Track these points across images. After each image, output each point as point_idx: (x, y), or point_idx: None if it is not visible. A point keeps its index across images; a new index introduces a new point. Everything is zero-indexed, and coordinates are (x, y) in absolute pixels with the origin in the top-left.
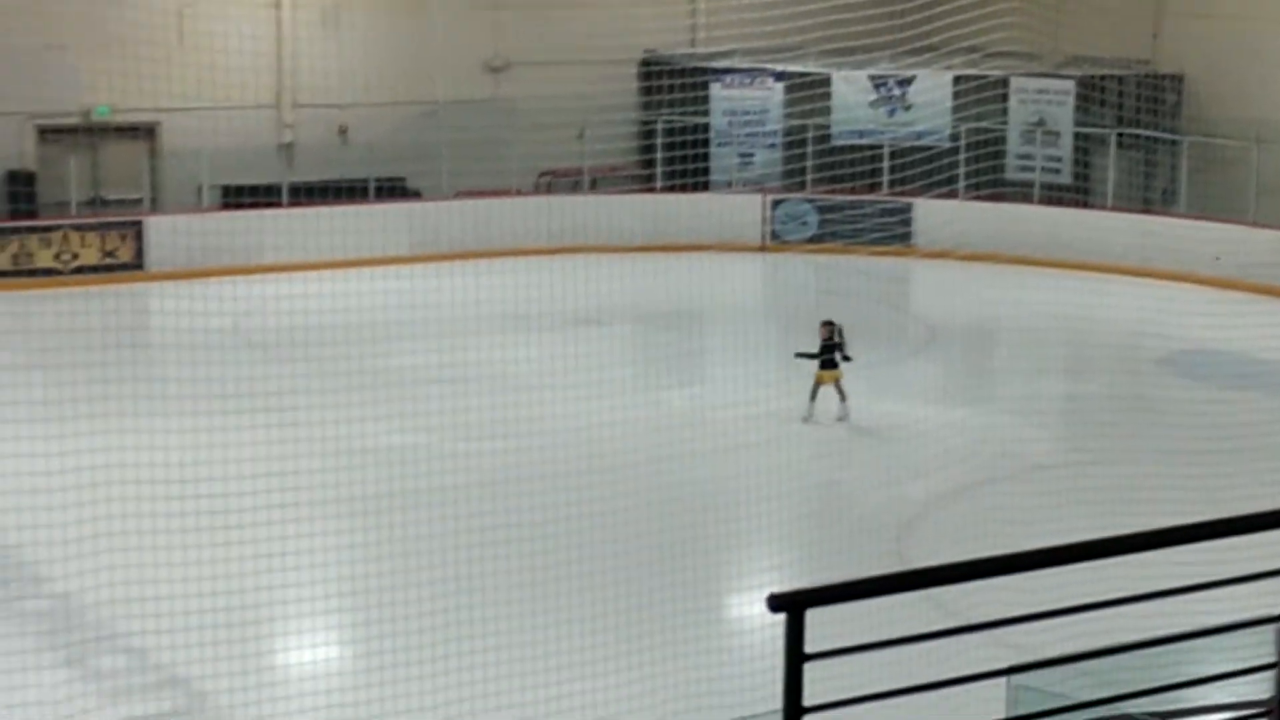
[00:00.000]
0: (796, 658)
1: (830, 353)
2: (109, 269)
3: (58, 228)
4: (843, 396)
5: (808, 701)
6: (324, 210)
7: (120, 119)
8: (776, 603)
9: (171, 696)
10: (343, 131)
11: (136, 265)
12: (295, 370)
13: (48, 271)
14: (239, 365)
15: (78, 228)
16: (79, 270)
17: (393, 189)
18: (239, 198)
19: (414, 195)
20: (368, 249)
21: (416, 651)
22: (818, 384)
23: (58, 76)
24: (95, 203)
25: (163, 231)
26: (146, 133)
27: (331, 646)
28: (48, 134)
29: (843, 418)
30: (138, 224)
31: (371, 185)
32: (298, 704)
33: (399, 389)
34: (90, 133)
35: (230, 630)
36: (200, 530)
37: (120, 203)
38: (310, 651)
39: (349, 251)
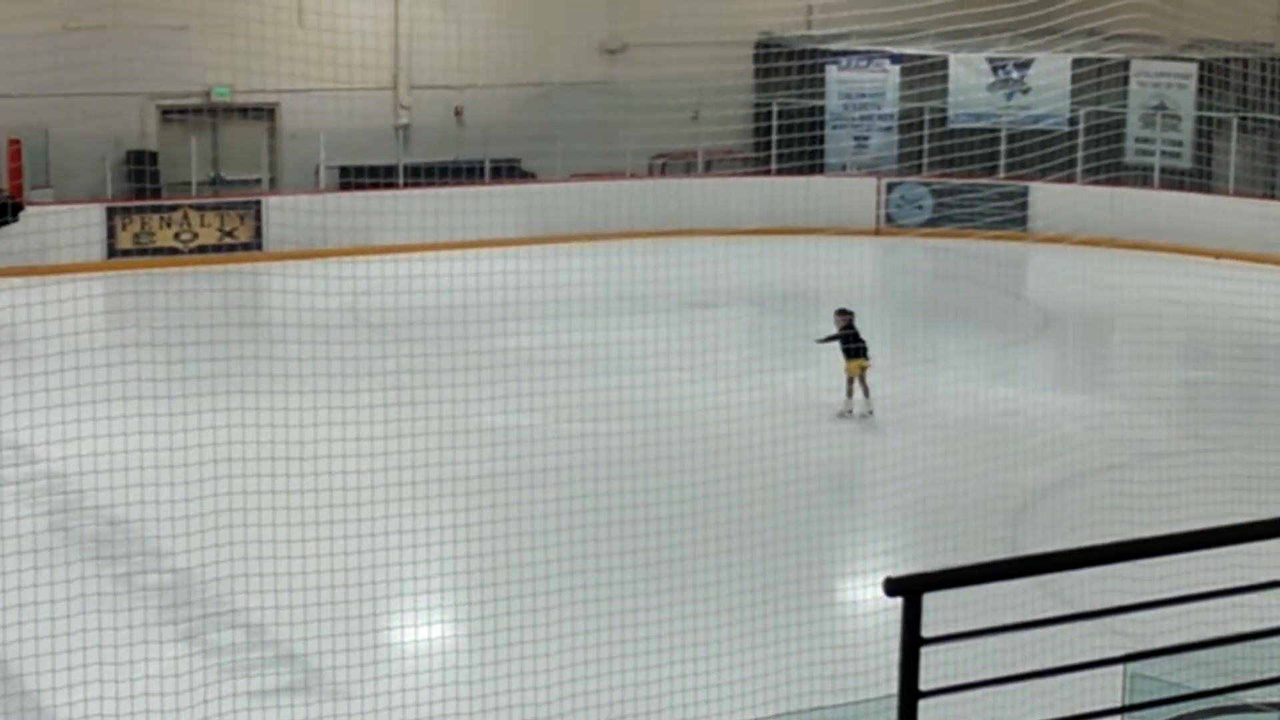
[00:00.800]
0: (913, 642)
1: (854, 341)
2: (228, 248)
3: (178, 207)
4: (866, 391)
5: (923, 686)
6: (439, 192)
7: (240, 100)
8: (894, 586)
9: (287, 672)
10: (458, 113)
11: (255, 245)
12: (409, 350)
13: (168, 250)
14: (354, 345)
15: (198, 207)
16: (199, 249)
17: (507, 171)
18: (356, 178)
19: (528, 177)
20: (482, 230)
21: (530, 631)
22: (850, 377)
23: (179, 57)
24: (215, 183)
25: (281, 212)
26: (266, 114)
27: (445, 625)
28: (169, 114)
29: (866, 414)
30: (256, 204)
31: (486, 167)
32: (411, 681)
33: (511, 370)
34: (211, 113)
35: (345, 607)
36: (316, 508)
37: (239, 183)
38: (424, 630)
39: (463, 233)
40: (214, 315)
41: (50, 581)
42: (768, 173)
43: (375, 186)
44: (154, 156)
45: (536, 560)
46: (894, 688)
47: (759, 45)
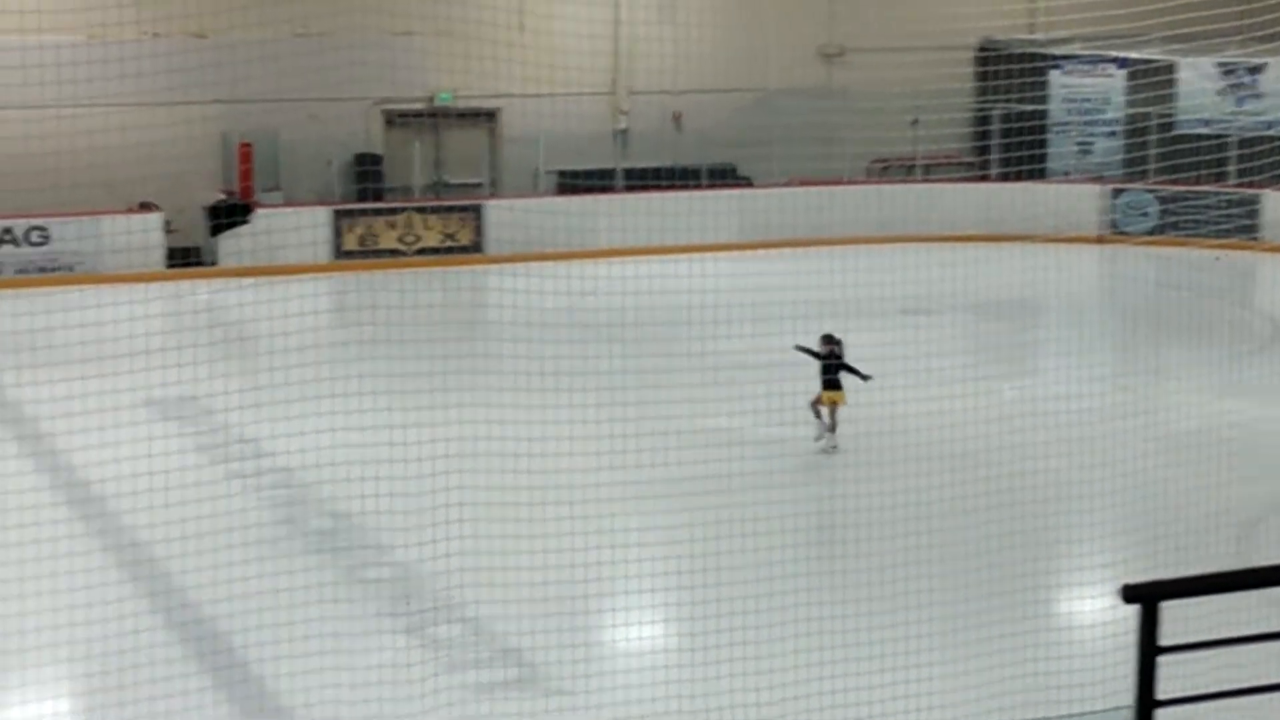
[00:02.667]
0: (1150, 650)
1: (833, 372)
2: (449, 250)
3: (402, 210)
4: (833, 426)
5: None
6: (656, 196)
7: (462, 105)
8: (1131, 594)
9: (507, 667)
10: (676, 118)
11: (475, 247)
12: (625, 351)
13: (391, 252)
14: (572, 346)
15: (420, 210)
16: (421, 251)
17: (724, 176)
18: (574, 182)
19: (745, 182)
20: (698, 235)
21: (743, 633)
22: (817, 403)
23: (404, 63)
24: (437, 186)
25: (501, 215)
26: (487, 118)
27: (660, 625)
28: (394, 119)
29: (826, 446)
30: (477, 207)
31: (703, 172)
32: (625, 679)
33: (725, 373)
34: (434, 118)
35: (561, 604)
36: (531, 504)
37: (461, 186)
38: (638, 629)
39: (680, 237)
40: (436, 316)
41: (275, 572)
42: (987, 178)
43: (593, 190)
44: (379, 160)
45: (749, 563)
46: (1122, 700)
47: (980, 49)
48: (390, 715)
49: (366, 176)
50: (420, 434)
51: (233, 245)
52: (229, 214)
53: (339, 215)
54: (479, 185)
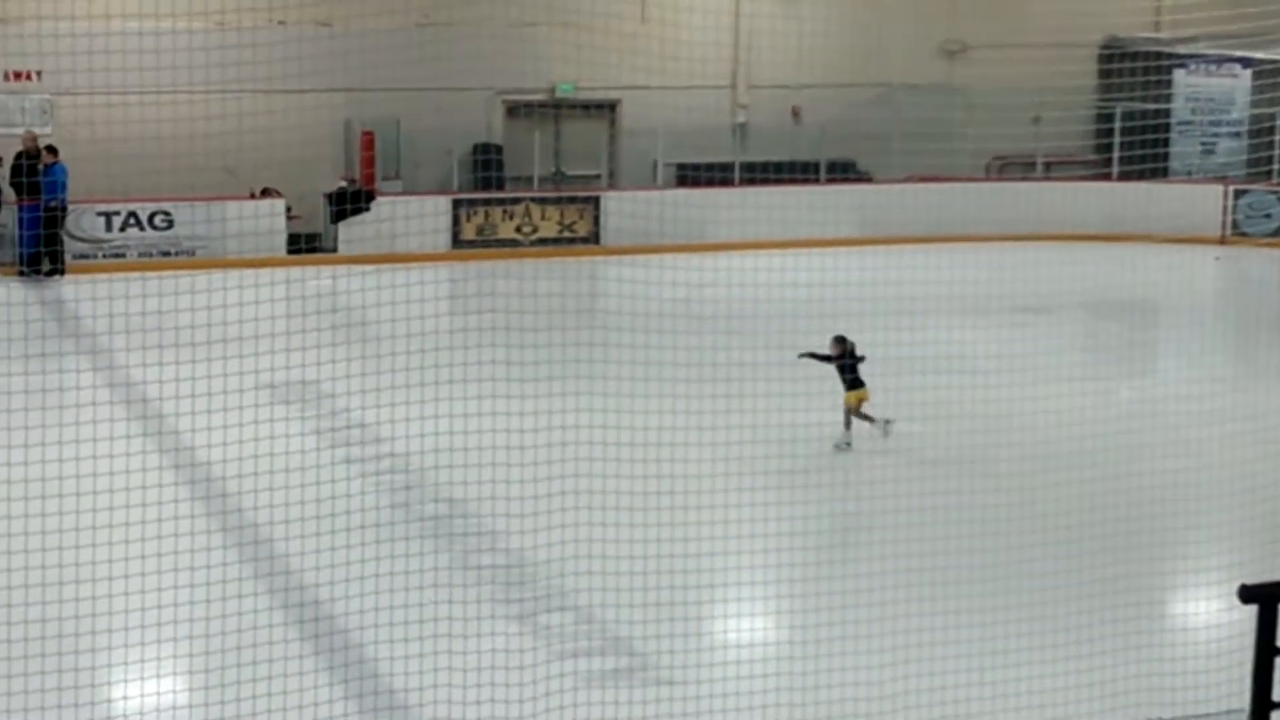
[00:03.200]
0: (1267, 651)
1: (851, 371)
2: (566, 241)
3: (520, 200)
4: (869, 418)
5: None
6: (774, 190)
7: (583, 96)
8: (1249, 594)
9: (614, 656)
10: (795, 113)
11: (593, 239)
12: (741, 344)
13: (509, 242)
14: (688, 338)
15: (539, 201)
16: (538, 242)
17: (843, 171)
18: (692, 175)
19: (864, 178)
20: (816, 229)
21: (855, 626)
22: (847, 408)
23: (526, 54)
24: (556, 177)
25: (619, 206)
26: (607, 110)
27: (767, 618)
28: (514, 109)
29: (842, 445)
30: (595, 199)
31: (822, 167)
32: (731, 670)
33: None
34: (554, 109)
35: (671, 594)
36: (645, 494)
37: (579, 178)
38: (746, 621)
39: (797, 231)
40: (552, 305)
41: (387, 556)
42: (1108, 177)
43: (711, 184)
44: (499, 150)
45: (862, 556)
46: (1238, 702)
47: (1104, 47)
48: (500, 701)
49: (486, 166)
50: (534, 422)
51: (353, 232)
52: (350, 201)
53: (458, 204)
54: (597, 177)
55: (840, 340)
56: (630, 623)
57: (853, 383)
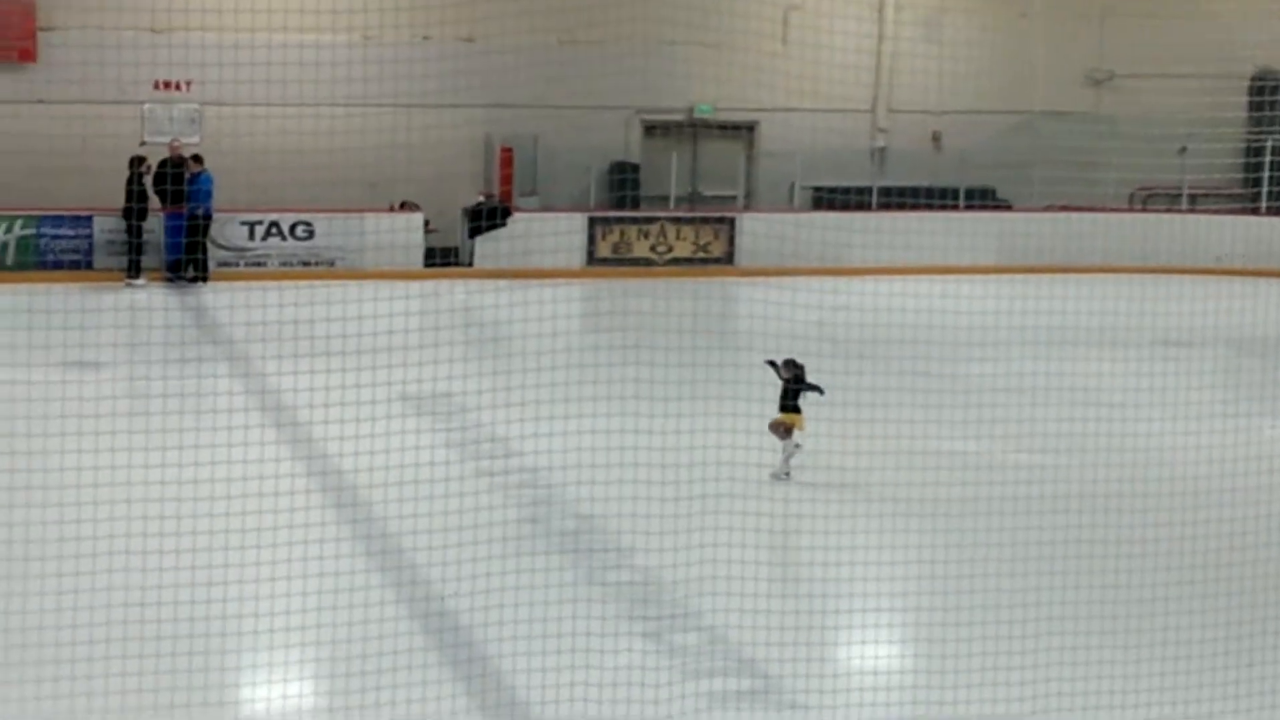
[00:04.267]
0: None
1: (794, 397)
2: (700, 262)
3: (656, 220)
4: (786, 449)
5: None
6: (912, 216)
7: (721, 117)
8: None
9: (743, 678)
10: (936, 139)
11: (727, 259)
12: (874, 369)
13: (644, 261)
14: (819, 361)
15: (674, 220)
16: (672, 262)
17: (982, 198)
18: (829, 200)
19: (1004, 206)
20: (953, 256)
21: (981, 659)
22: (777, 425)
23: (665, 73)
24: (692, 198)
25: (754, 228)
26: (745, 131)
27: (898, 645)
28: (652, 129)
29: (779, 473)
30: (731, 220)
31: (961, 193)
32: (860, 697)
33: (973, 395)
34: (692, 129)
35: (800, 617)
36: (774, 516)
37: (715, 198)
38: (877, 648)
39: (934, 258)
40: (686, 325)
41: (519, 570)
42: (1256, 211)
43: (848, 208)
44: (636, 169)
45: (989, 588)
46: None
47: (1255, 79)
48: (625, 718)
49: (623, 185)
50: (666, 440)
51: (489, 248)
52: (487, 217)
53: (594, 222)
54: (733, 198)
55: (790, 364)
56: (760, 644)
57: (791, 407)
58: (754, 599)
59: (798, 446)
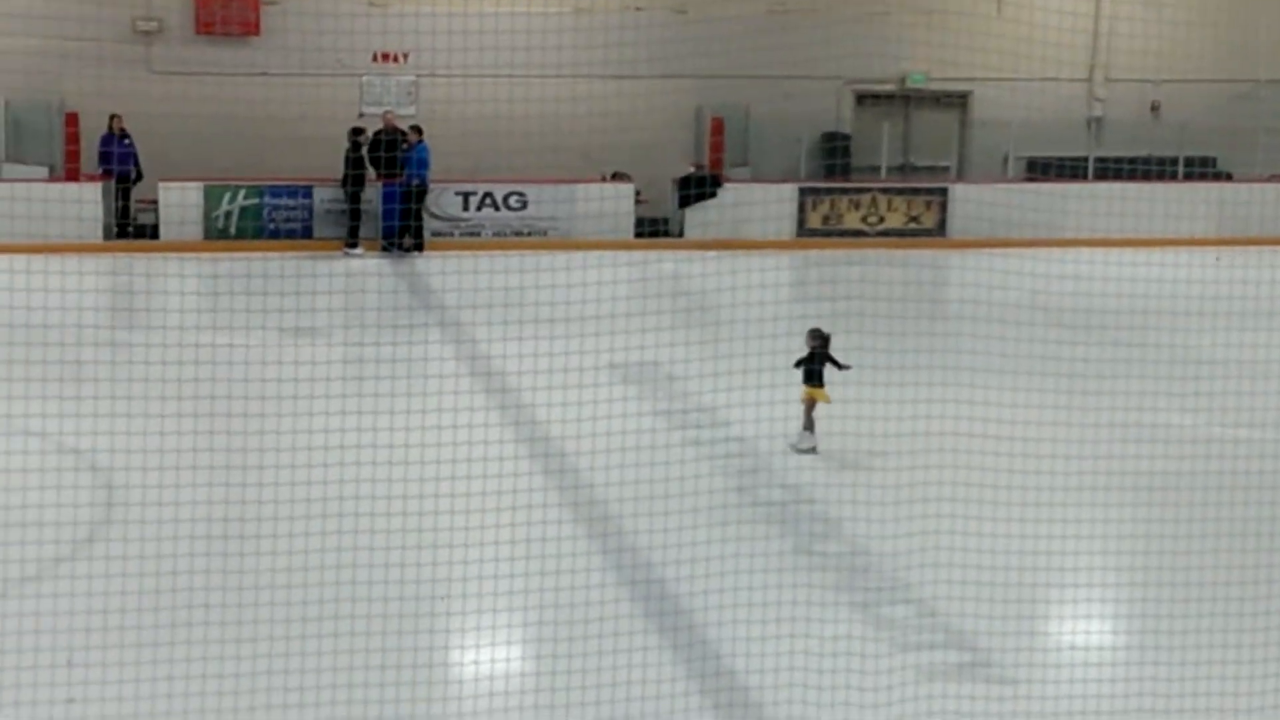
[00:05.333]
0: None
1: (817, 364)
2: (912, 233)
3: (867, 190)
4: (811, 424)
5: None
6: (1128, 186)
7: (934, 87)
8: None
9: (956, 651)
10: (1155, 108)
11: (938, 231)
12: (1088, 340)
13: (854, 232)
14: (1032, 330)
15: (885, 191)
16: (883, 233)
17: (1202, 168)
18: (1043, 170)
19: (1224, 177)
20: (1171, 228)
21: (1196, 635)
22: (805, 404)
23: (877, 43)
24: (904, 169)
25: (966, 200)
26: (958, 101)
27: (1112, 620)
28: (864, 99)
29: (807, 449)
30: (943, 191)
31: (1180, 163)
32: (1074, 673)
33: (1190, 368)
34: (904, 100)
35: (1013, 590)
36: (984, 487)
37: (927, 169)
38: (1094, 624)
39: (1151, 230)
40: (896, 296)
41: (729, 539)
42: None
43: (1062, 179)
44: (846, 139)
45: (1208, 565)
46: None
47: None
48: (834, 688)
49: (834, 155)
50: (875, 411)
51: (699, 218)
52: (698, 186)
53: (804, 193)
54: (945, 168)
55: (815, 334)
56: (972, 616)
57: (817, 379)
58: (968, 570)
59: (810, 433)
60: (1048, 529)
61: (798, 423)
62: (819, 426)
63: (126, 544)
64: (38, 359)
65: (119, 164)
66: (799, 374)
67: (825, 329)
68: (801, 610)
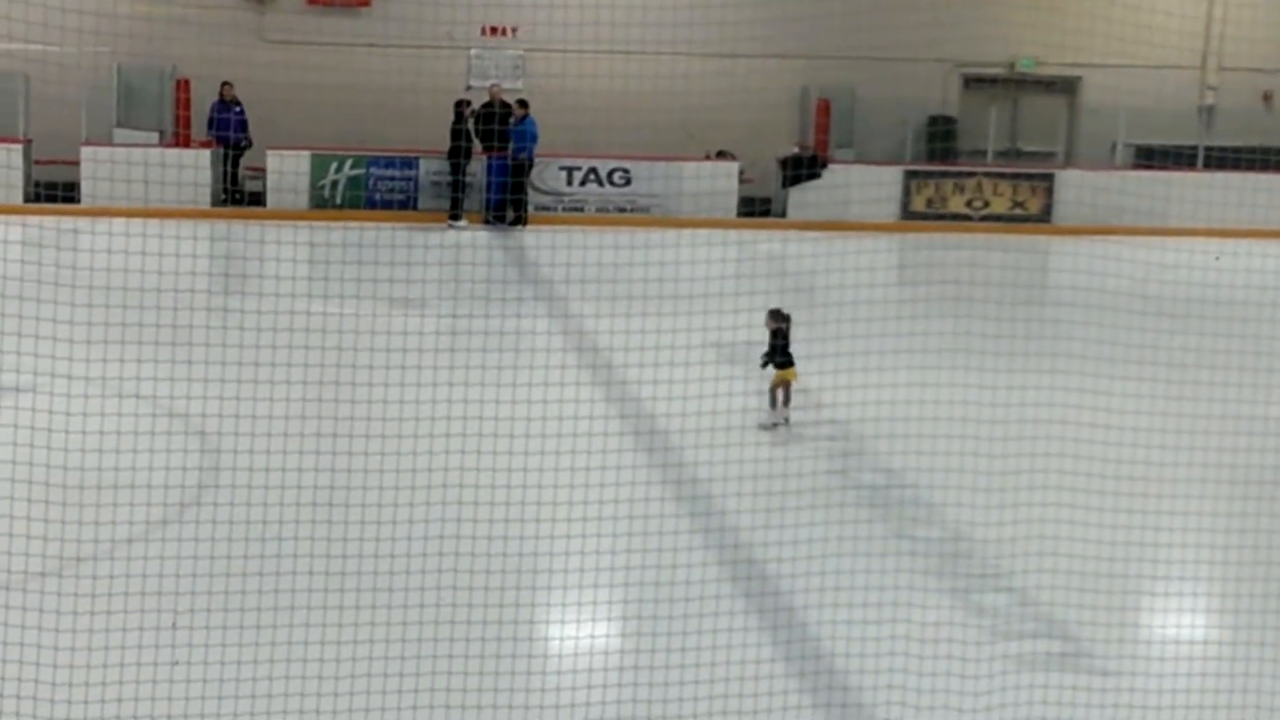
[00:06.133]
0: None
1: (782, 353)
2: (1016, 219)
3: (972, 175)
4: (787, 400)
5: None
6: (1239, 177)
7: (1043, 72)
8: None
9: (1052, 640)
10: (1267, 98)
11: (1044, 218)
12: (1189, 329)
13: (959, 217)
14: (1141, 319)
15: (991, 176)
16: (987, 218)
17: None
18: (1151, 158)
19: None
20: (1276, 220)
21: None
22: (773, 387)
23: (987, 27)
24: (1010, 154)
25: (1072, 186)
26: (1067, 87)
27: (1209, 615)
28: (971, 83)
29: (782, 421)
30: (1049, 177)
31: None
32: (1172, 666)
33: None
34: (1012, 84)
35: (1112, 581)
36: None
37: (1034, 155)
38: (1192, 617)
39: (1260, 221)
40: (999, 281)
41: (826, 521)
42: None
43: (1171, 167)
44: (953, 123)
45: None
46: None
47: None
48: (928, 674)
49: (939, 138)
50: (978, 395)
51: (803, 198)
52: (802, 167)
53: (909, 175)
54: (1052, 154)
55: (775, 314)
56: (1074, 607)
57: (783, 363)
58: (1066, 559)
59: (786, 410)
60: (1151, 520)
61: (894, 407)
62: (797, 400)
63: (234, 508)
64: (146, 323)
65: (231, 130)
66: (900, 358)
67: (783, 310)
68: (899, 595)
